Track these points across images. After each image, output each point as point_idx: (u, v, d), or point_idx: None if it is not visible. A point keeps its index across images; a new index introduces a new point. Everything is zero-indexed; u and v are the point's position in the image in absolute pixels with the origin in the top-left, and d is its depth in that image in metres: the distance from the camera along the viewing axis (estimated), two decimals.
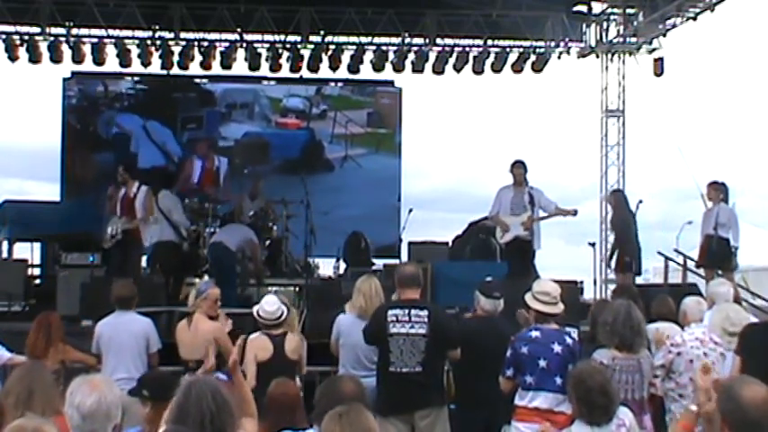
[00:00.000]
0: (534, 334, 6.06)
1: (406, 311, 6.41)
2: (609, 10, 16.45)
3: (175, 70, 16.26)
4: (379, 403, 6.40)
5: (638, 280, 13.72)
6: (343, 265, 14.34)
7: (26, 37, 15.70)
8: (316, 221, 13.64)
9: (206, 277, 8.01)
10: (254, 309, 7.10)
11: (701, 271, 12.06)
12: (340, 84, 17.29)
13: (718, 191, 11.57)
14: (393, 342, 6.36)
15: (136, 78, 16.89)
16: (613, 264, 12.07)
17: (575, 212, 11.67)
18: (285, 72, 16.51)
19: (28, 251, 13.44)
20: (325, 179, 17.10)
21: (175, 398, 3.76)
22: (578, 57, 16.97)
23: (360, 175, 17.25)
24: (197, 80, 17.11)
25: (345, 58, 16.32)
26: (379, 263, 13.95)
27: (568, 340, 6.06)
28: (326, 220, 14.86)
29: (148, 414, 4.63)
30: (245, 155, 17.12)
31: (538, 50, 16.57)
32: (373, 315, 6.71)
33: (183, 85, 17.16)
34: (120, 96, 17.04)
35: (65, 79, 16.56)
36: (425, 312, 6.42)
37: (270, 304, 6.98)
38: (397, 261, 14.27)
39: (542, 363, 5.94)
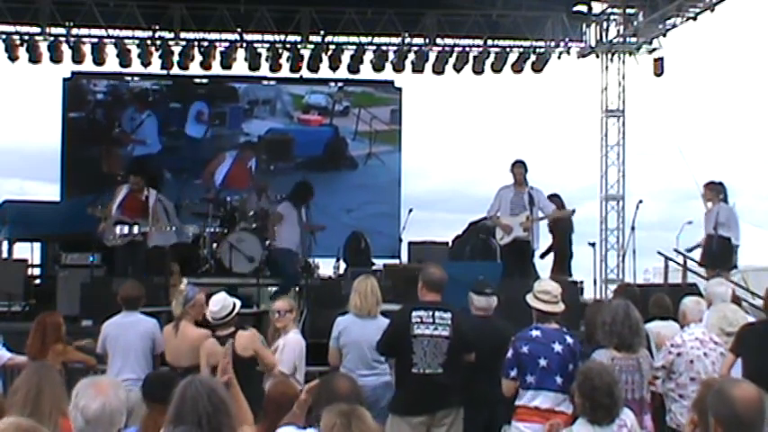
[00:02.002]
0: (535, 333, 6.06)
1: (430, 313, 6.44)
2: (609, 10, 16.46)
3: (175, 70, 16.26)
4: (397, 402, 6.49)
5: (639, 279, 13.77)
6: (343, 265, 14.34)
7: (26, 37, 15.71)
8: (340, 219, 13.69)
9: (184, 281, 7.93)
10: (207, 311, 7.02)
11: (702, 270, 12.07)
12: (340, 83, 17.27)
13: (715, 191, 11.55)
14: (417, 343, 6.37)
15: (160, 74, 16.76)
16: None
17: (572, 212, 11.67)
18: (285, 72, 16.51)
19: (28, 251, 13.46)
20: (350, 176, 17.20)
21: (173, 399, 3.74)
22: (578, 57, 16.98)
23: (384, 172, 17.28)
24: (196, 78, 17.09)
25: (345, 58, 16.33)
26: (379, 263, 13.95)
27: (569, 340, 6.06)
28: (350, 217, 15.12)
29: (145, 414, 4.63)
30: (270, 151, 17.13)
31: (538, 50, 16.57)
32: (397, 315, 6.73)
33: (207, 81, 17.13)
34: (146, 92, 17.07)
35: (65, 79, 16.56)
36: (449, 315, 6.45)
37: (214, 304, 6.88)
38: (396, 261, 14.29)
39: (543, 362, 5.93)
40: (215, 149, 17.06)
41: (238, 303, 7.07)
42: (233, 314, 6.91)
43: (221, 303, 6.90)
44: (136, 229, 11.03)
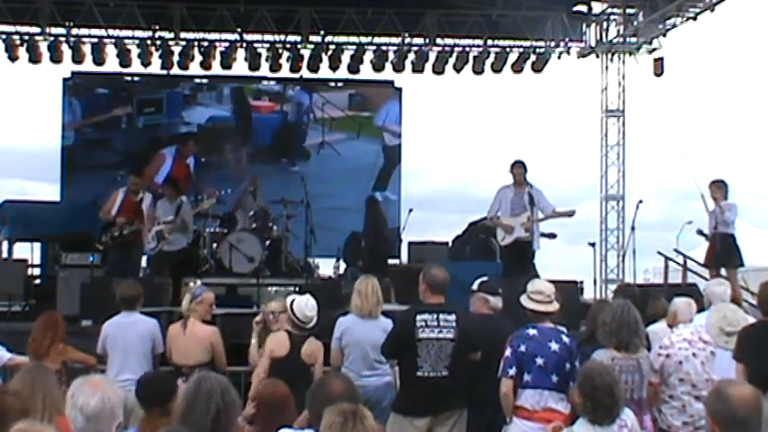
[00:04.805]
0: (532, 332, 6.03)
1: (435, 316, 6.39)
2: (609, 10, 16.48)
3: (175, 70, 16.25)
4: (401, 403, 6.48)
5: (639, 279, 13.77)
6: (343, 265, 14.34)
7: (26, 37, 15.73)
8: (291, 213, 13.37)
9: (198, 281, 7.96)
10: (289, 301, 6.92)
11: (702, 270, 12.07)
12: (340, 83, 17.17)
13: (720, 188, 11.56)
14: (422, 347, 6.33)
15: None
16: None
17: (571, 213, 11.67)
18: (285, 72, 16.50)
19: (28, 251, 13.45)
20: (301, 168, 16.33)
21: (185, 391, 3.80)
22: (578, 57, 16.99)
23: (338, 162, 16.67)
24: None
25: (345, 58, 16.33)
26: None
27: (565, 339, 6.04)
28: (301, 212, 13.73)
29: (142, 418, 4.64)
30: (210, 142, 16.43)
31: (538, 50, 16.59)
32: (400, 319, 6.69)
33: None
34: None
35: (65, 79, 16.55)
36: (453, 317, 6.41)
37: (310, 309, 6.85)
38: (396, 261, 14.29)
39: (539, 360, 5.91)
40: (149, 141, 16.37)
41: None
42: (314, 325, 6.89)
43: (315, 311, 6.86)
44: (126, 229, 11.05)
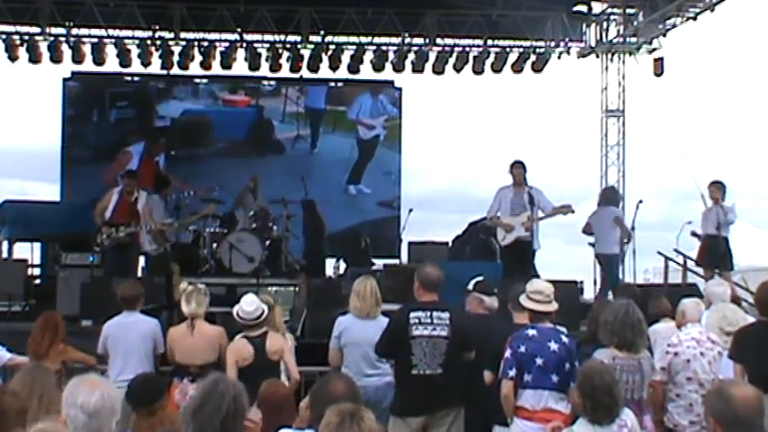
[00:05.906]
0: (531, 332, 6.05)
1: (428, 314, 6.41)
2: (609, 10, 16.47)
3: (175, 70, 16.24)
4: (397, 404, 6.49)
5: (639, 279, 13.76)
6: (343, 265, 14.34)
7: (26, 37, 15.72)
8: (291, 213, 13.37)
9: (183, 282, 7.94)
10: (234, 309, 6.99)
11: (701, 270, 12.08)
12: (340, 83, 17.17)
13: (720, 190, 11.58)
14: (416, 344, 6.35)
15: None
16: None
17: (571, 209, 11.66)
18: (285, 72, 16.50)
19: (28, 251, 13.46)
20: (275, 162, 16.35)
21: (200, 387, 3.86)
22: (578, 57, 16.99)
23: (313, 156, 16.72)
24: None
25: (345, 58, 16.32)
26: (379, 262, 13.96)
27: (565, 339, 6.05)
28: (275, 208, 13.65)
29: (135, 420, 4.65)
30: (184, 136, 16.42)
31: (538, 50, 16.58)
32: (394, 317, 6.71)
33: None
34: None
35: (65, 79, 16.54)
36: (446, 315, 6.43)
37: (248, 304, 6.90)
38: (396, 261, 14.29)
39: (539, 361, 5.92)
40: (122, 135, 16.32)
41: (266, 307, 7.05)
42: (264, 315, 6.91)
43: (255, 304, 6.91)
44: (122, 231, 11.05)
